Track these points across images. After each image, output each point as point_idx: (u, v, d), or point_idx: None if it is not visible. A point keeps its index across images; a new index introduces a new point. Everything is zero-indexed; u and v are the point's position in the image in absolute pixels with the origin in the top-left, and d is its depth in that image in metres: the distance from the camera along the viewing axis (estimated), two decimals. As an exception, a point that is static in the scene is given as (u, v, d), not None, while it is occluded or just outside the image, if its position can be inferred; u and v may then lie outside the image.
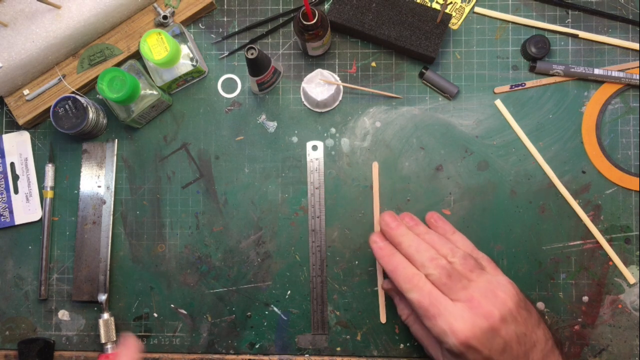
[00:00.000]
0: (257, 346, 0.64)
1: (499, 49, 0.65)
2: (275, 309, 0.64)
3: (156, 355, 0.65)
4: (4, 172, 0.67)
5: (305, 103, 0.66)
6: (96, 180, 0.66)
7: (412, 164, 0.64)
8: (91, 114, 0.62)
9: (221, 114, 0.66)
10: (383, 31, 0.63)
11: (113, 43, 0.65)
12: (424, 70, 0.64)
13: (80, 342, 0.65)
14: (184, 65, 0.63)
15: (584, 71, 0.62)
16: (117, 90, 0.59)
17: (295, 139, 0.66)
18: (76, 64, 0.65)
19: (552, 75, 0.64)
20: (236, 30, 0.66)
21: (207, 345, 0.64)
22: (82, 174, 0.66)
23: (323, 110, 0.65)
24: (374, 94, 0.65)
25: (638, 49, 0.63)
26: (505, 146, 0.64)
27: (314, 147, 0.65)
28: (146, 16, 0.65)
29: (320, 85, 0.63)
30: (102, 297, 0.64)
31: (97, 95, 0.66)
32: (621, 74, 0.62)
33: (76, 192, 0.66)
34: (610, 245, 0.62)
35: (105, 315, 0.63)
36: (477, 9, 0.65)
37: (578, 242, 0.63)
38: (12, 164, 0.67)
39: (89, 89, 0.66)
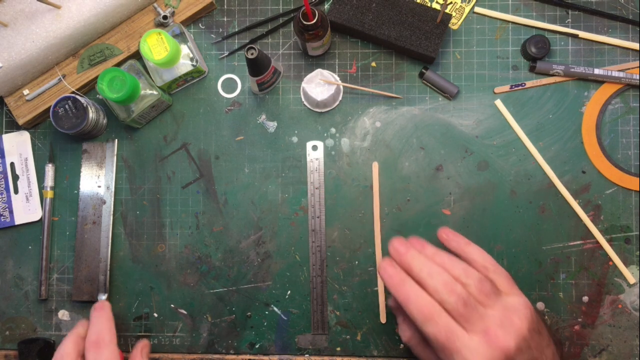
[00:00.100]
0: (257, 346, 0.64)
1: (499, 49, 0.65)
2: (275, 309, 0.64)
3: (156, 355, 0.65)
4: (4, 172, 0.67)
5: (305, 103, 0.66)
6: (96, 180, 0.66)
7: (412, 164, 0.64)
8: (91, 114, 0.62)
9: (221, 114, 0.66)
10: (383, 31, 0.63)
11: (113, 43, 0.65)
12: (424, 70, 0.64)
13: (80, 342, 0.65)
14: (184, 65, 0.63)
15: (584, 71, 0.62)
16: (117, 90, 0.59)
17: (295, 139, 0.66)
18: (76, 64, 0.65)
19: (552, 75, 0.64)
20: (236, 30, 0.66)
21: (207, 345, 0.64)
22: (82, 174, 0.66)
23: (323, 110, 0.65)
24: (374, 94, 0.65)
25: (638, 49, 0.63)
26: (505, 146, 0.64)
27: (314, 147, 0.65)
28: (146, 16, 0.65)
29: (320, 85, 0.63)
30: (102, 297, 0.64)
31: (97, 95, 0.66)
32: (621, 74, 0.62)
33: (76, 192, 0.66)
34: (610, 245, 0.62)
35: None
36: (477, 9, 0.65)
37: (578, 242, 0.63)
38: (12, 164, 0.67)
39: (89, 89, 0.66)
